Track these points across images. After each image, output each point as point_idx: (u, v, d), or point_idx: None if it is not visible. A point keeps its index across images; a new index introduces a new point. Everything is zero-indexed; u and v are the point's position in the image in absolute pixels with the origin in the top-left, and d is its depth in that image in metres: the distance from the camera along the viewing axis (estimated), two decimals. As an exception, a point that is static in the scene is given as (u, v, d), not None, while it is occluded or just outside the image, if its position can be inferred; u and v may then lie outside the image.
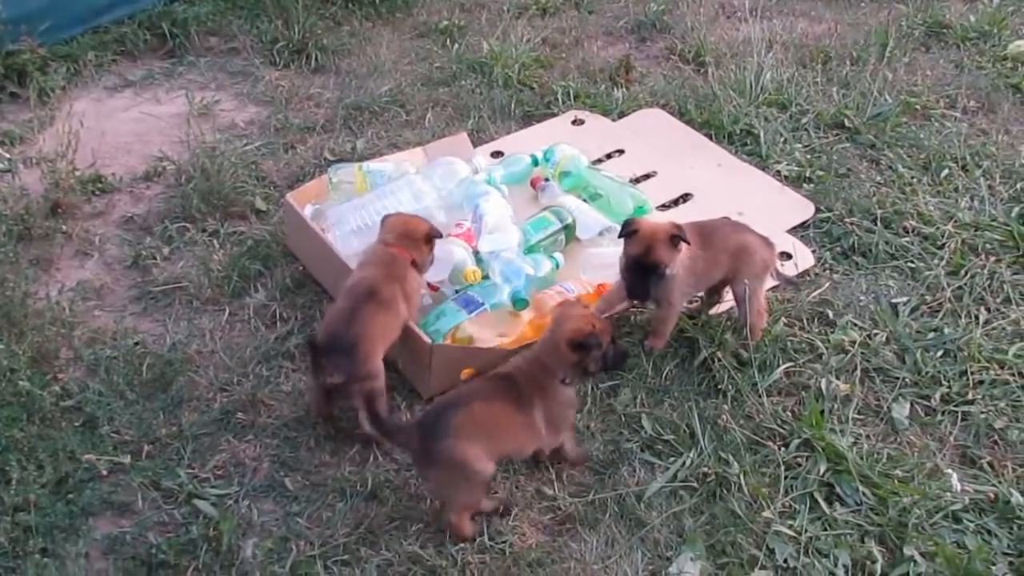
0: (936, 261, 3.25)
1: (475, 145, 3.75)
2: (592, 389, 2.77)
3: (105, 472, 2.49)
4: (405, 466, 2.56)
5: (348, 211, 3.11)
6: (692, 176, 3.69)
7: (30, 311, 2.98)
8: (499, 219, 3.15)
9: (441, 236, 2.88)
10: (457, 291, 2.99)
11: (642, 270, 2.71)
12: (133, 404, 2.72)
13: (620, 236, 2.77)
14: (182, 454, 2.58)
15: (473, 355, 2.72)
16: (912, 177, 3.70)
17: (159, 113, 4.08)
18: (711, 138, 3.91)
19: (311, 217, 3.17)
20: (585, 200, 3.43)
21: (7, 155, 3.64)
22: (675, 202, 3.58)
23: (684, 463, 2.54)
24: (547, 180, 3.51)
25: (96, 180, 3.63)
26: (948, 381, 2.81)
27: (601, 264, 3.13)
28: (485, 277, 3.01)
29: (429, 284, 2.99)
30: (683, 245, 2.72)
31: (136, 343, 2.94)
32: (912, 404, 2.75)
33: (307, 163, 3.75)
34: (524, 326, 2.83)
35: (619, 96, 4.16)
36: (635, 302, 2.92)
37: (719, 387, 2.77)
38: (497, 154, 3.75)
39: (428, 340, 2.68)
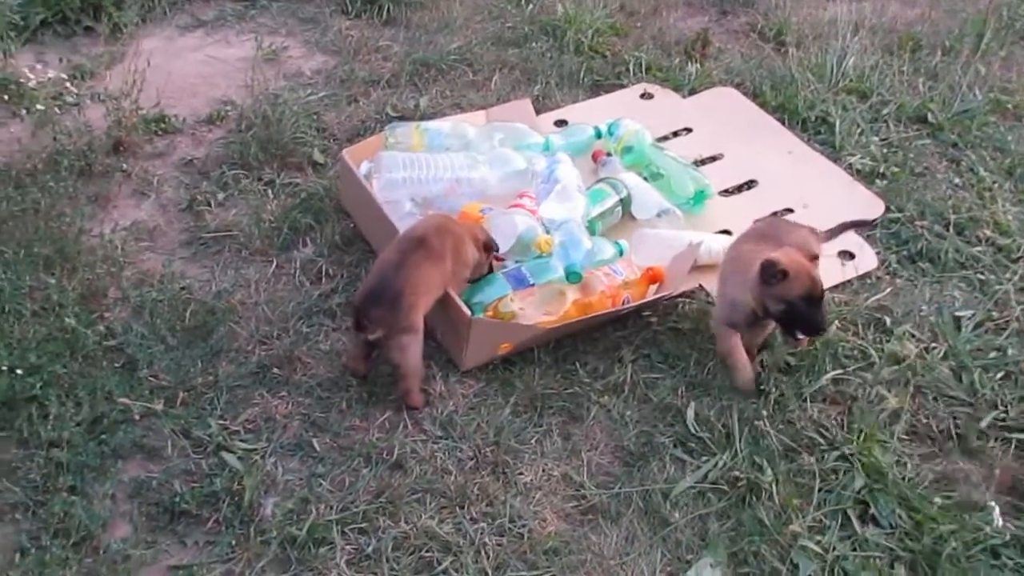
0: (1008, 275, 3.10)
1: (539, 112, 3.68)
2: (631, 376, 2.72)
3: (138, 416, 2.52)
4: (433, 437, 2.54)
5: (399, 160, 3.08)
6: (759, 162, 3.56)
7: (83, 248, 3.02)
8: (567, 187, 3.09)
9: (498, 250, 2.86)
10: (517, 262, 2.94)
11: (818, 304, 2.54)
12: (173, 350, 2.74)
13: (765, 280, 2.52)
14: (215, 404, 2.59)
15: (512, 331, 2.68)
16: (993, 182, 3.52)
17: (227, 56, 4.07)
18: (783, 123, 3.76)
19: (365, 175, 3.13)
20: (645, 179, 3.34)
21: (75, 90, 3.67)
22: (739, 188, 3.47)
23: (716, 464, 2.48)
24: (609, 155, 3.42)
25: (160, 120, 3.65)
26: (1005, 406, 2.67)
27: (655, 245, 3.06)
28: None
29: (495, 256, 2.95)
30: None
31: (182, 288, 2.95)
32: (963, 426, 2.63)
33: (368, 117, 3.71)
34: (569, 305, 2.76)
35: (692, 71, 4.02)
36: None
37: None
38: (561, 123, 3.67)
39: (468, 312, 2.64)
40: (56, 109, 3.54)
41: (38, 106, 3.50)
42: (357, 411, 2.61)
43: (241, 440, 2.51)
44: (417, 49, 4.10)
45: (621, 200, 3.17)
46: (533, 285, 2.82)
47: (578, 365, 2.75)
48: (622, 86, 3.95)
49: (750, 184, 3.48)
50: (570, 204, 3.03)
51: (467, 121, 3.31)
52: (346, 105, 3.79)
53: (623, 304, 2.82)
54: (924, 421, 2.66)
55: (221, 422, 2.55)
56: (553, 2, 4.44)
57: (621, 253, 3.02)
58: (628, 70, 4.02)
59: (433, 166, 3.08)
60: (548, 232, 2.97)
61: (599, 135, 3.50)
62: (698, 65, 4.08)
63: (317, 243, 3.13)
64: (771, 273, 2.50)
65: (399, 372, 2.60)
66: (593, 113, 3.70)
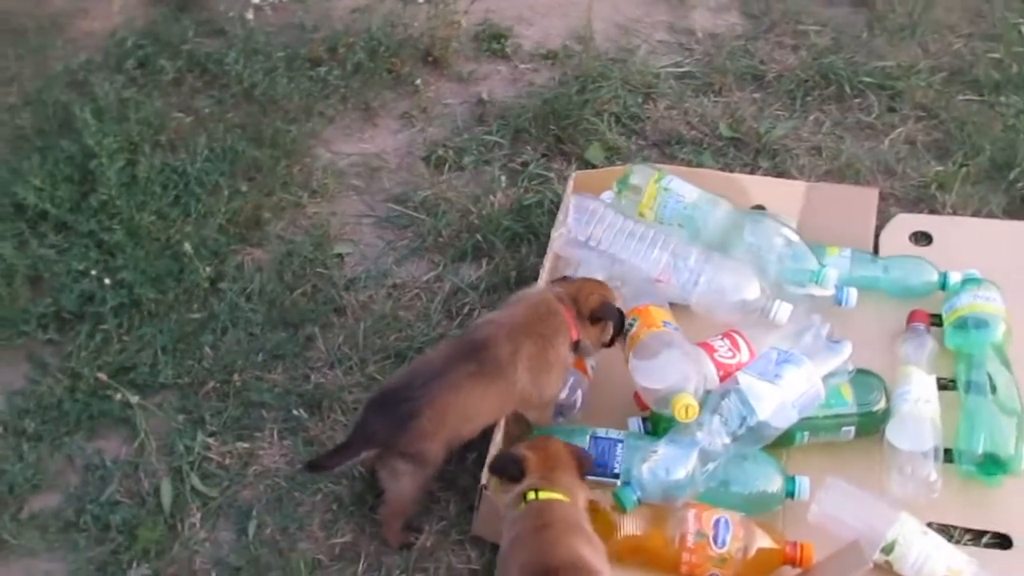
0: None
1: (907, 207, 2.47)
2: None
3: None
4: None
5: (591, 217, 2.21)
6: None
7: (302, 165, 2.76)
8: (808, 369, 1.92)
9: (620, 321, 1.97)
10: (644, 420, 2.05)
11: None
12: (252, 324, 2.37)
13: None
14: (219, 418, 2.21)
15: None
16: None
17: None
18: None
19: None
20: (951, 384, 2.09)
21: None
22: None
23: None
24: (931, 324, 2.15)
25: (496, 38, 3.12)
26: None
27: (846, 505, 1.87)
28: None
29: (637, 397, 2.07)
30: None
31: (338, 255, 2.55)
32: None
33: (693, 125, 2.77)
34: (617, 539, 1.81)
35: None
36: None
37: None
38: (922, 238, 2.37)
39: (484, 477, 1.86)
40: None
41: (369, -11, 3.19)
42: (327, 512, 2.04)
43: (203, 475, 2.12)
44: (850, 52, 2.89)
45: (864, 415, 1.97)
46: (617, 475, 1.91)
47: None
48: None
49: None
50: (784, 409, 1.88)
51: (726, 200, 2.25)
52: (690, 96, 2.86)
53: (699, 586, 1.79)
54: None
55: (209, 439, 2.17)
56: None
57: (791, 495, 1.89)
58: None
59: (636, 245, 2.16)
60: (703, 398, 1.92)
61: (944, 286, 2.20)
62: None
63: (488, 270, 2.47)
64: None
65: (383, 497, 1.97)
66: (979, 238, 2.38)
